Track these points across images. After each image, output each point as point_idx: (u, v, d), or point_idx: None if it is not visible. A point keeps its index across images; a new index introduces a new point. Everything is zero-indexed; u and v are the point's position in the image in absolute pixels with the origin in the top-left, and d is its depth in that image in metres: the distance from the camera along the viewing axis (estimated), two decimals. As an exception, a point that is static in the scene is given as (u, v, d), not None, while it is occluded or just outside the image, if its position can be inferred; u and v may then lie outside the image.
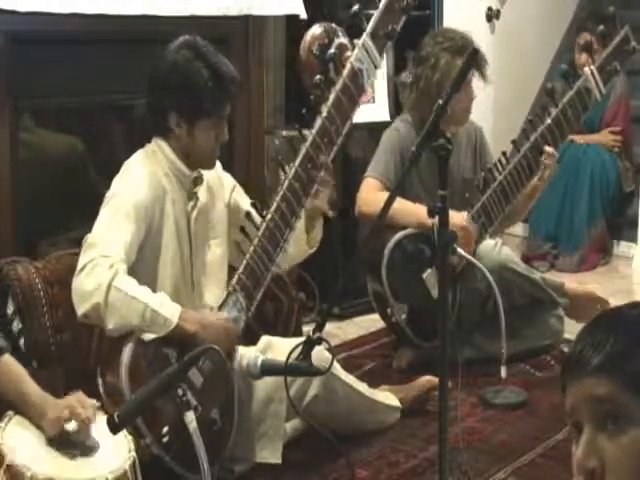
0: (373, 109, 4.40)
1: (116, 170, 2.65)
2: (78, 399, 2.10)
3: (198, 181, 2.71)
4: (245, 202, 2.84)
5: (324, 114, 2.65)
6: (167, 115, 2.60)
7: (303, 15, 3.79)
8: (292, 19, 3.86)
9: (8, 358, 2.15)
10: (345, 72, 2.66)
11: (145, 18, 3.32)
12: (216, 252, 2.77)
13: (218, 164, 2.83)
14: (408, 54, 4.42)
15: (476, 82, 3.57)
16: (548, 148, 3.50)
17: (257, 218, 2.71)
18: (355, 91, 2.69)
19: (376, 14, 2.67)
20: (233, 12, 3.63)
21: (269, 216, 2.66)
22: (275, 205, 2.66)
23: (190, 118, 2.58)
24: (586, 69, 3.52)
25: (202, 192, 2.75)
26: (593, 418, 1.10)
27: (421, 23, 4.48)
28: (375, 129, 3.97)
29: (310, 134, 2.66)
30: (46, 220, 3.34)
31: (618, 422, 1.08)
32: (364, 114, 4.36)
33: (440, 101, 2.18)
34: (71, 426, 2.06)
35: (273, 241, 2.67)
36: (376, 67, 2.71)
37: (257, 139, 3.94)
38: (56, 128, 3.45)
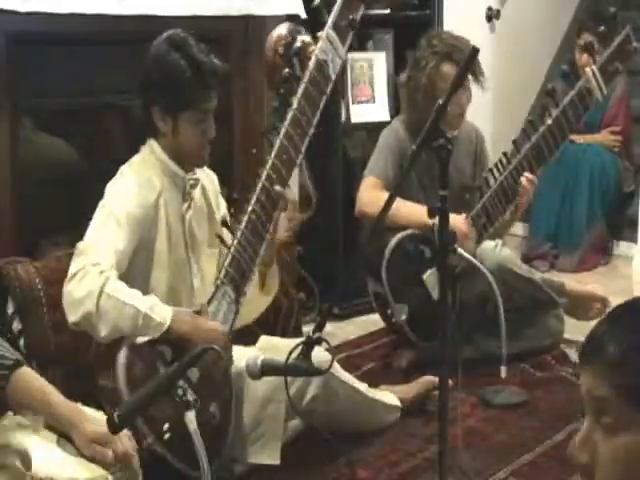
0: (373, 109, 4.41)
1: (116, 170, 2.65)
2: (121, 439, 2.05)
3: (194, 184, 2.71)
4: None
5: (295, 106, 2.69)
6: (152, 112, 2.60)
7: (303, 15, 3.79)
8: (292, 19, 3.86)
9: (26, 370, 2.09)
10: (311, 64, 2.70)
11: (145, 18, 3.32)
12: (212, 256, 2.77)
13: (214, 177, 2.84)
14: (408, 54, 4.42)
15: (475, 87, 3.57)
16: (528, 174, 3.47)
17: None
18: (322, 81, 2.73)
19: (336, 6, 2.73)
20: (233, 12, 3.63)
21: (250, 208, 2.67)
22: (255, 197, 2.67)
23: (172, 112, 2.58)
24: (587, 69, 3.52)
25: (198, 196, 2.75)
26: (591, 413, 1.12)
27: (421, 23, 4.49)
28: (375, 129, 3.97)
29: (283, 126, 2.69)
30: (46, 220, 3.33)
31: (611, 422, 1.09)
32: (364, 114, 4.37)
33: (440, 101, 2.18)
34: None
35: (256, 233, 2.68)
36: (340, 58, 2.75)
37: (257, 139, 3.94)
38: (56, 128, 3.45)
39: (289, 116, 2.69)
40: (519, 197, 3.49)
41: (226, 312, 2.67)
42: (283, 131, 2.69)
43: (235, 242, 2.67)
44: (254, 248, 2.69)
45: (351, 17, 2.74)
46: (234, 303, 2.68)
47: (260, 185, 2.68)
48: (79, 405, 2.09)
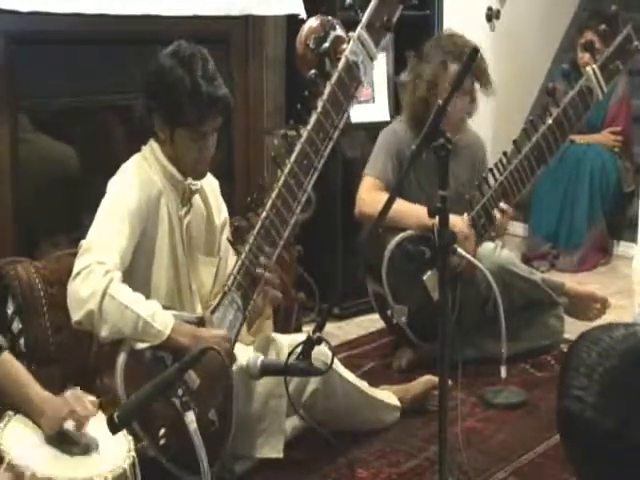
0: (373, 109, 4.40)
1: (116, 170, 2.65)
2: (76, 396, 2.09)
3: (194, 190, 2.69)
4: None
5: (319, 109, 2.61)
6: (153, 117, 2.59)
7: (303, 15, 3.79)
8: (292, 19, 3.86)
9: (7, 356, 2.13)
10: (340, 65, 2.62)
11: (145, 18, 3.32)
12: (209, 265, 2.76)
13: (216, 184, 2.82)
14: (408, 54, 4.43)
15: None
16: (503, 205, 3.45)
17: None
18: (350, 84, 2.64)
19: (371, 5, 2.62)
20: (233, 12, 3.63)
21: (264, 214, 2.61)
22: (270, 203, 2.61)
23: (170, 125, 2.56)
24: (588, 68, 3.52)
25: (199, 202, 2.73)
26: None
27: (421, 23, 4.49)
28: (375, 129, 3.96)
29: (305, 130, 2.61)
30: (46, 220, 3.33)
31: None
32: (364, 114, 4.36)
33: (440, 101, 2.18)
34: (69, 425, 2.05)
35: (269, 239, 2.64)
36: (372, 59, 2.66)
37: (257, 139, 3.94)
38: (56, 128, 3.45)
39: (312, 119, 2.60)
40: (493, 231, 3.47)
41: (232, 320, 2.64)
42: (305, 135, 2.60)
43: (246, 248, 2.62)
44: (266, 254, 2.63)
45: (386, 18, 2.62)
46: (241, 311, 2.64)
47: (277, 191, 2.61)
48: (48, 393, 2.10)
